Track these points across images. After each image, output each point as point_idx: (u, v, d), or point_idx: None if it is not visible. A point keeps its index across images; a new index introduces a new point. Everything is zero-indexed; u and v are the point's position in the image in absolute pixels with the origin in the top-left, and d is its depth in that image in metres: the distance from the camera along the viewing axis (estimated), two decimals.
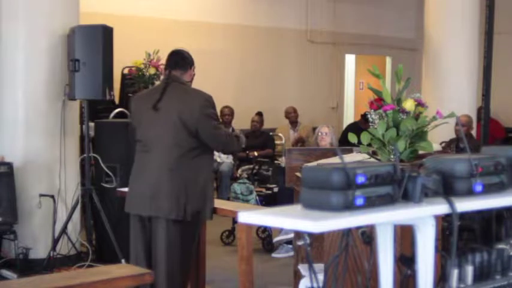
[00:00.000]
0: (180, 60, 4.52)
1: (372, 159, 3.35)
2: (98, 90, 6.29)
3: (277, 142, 10.49)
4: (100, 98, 6.41)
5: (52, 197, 6.32)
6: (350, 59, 13.74)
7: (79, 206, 6.47)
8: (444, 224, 2.60)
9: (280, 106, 11.25)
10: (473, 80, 9.71)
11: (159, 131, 4.32)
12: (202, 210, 4.40)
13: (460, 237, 2.49)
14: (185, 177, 4.30)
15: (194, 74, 4.62)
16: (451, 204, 2.26)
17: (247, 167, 8.54)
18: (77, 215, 6.51)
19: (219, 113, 9.87)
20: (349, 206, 2.09)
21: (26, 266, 6.11)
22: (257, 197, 7.53)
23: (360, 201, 2.11)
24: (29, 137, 6.40)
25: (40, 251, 6.35)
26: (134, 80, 7.76)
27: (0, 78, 6.45)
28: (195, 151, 4.35)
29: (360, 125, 10.31)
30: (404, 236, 2.68)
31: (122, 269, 3.79)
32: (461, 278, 2.46)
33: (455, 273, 2.42)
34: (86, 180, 6.39)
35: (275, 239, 6.97)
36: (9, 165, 6.20)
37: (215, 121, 4.51)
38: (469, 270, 2.48)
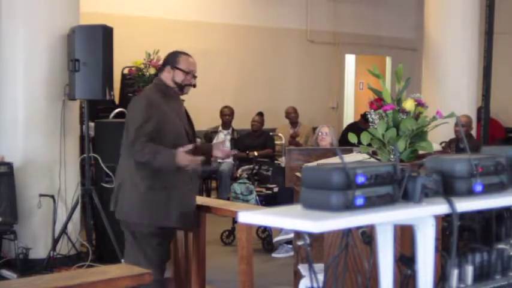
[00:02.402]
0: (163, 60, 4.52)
1: (372, 159, 3.35)
2: (98, 90, 6.29)
3: (277, 142, 10.49)
4: (100, 98, 6.42)
5: (52, 197, 6.32)
6: (350, 59, 13.74)
7: (79, 206, 6.47)
8: (444, 224, 2.60)
9: (280, 106, 11.25)
10: (473, 80, 9.71)
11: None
12: (140, 219, 4.25)
13: (460, 237, 2.49)
14: (124, 181, 4.32)
15: (175, 73, 4.32)
16: (451, 204, 2.26)
17: (247, 167, 8.54)
18: (77, 215, 6.51)
19: (219, 113, 9.96)
20: (349, 206, 2.09)
21: (26, 266, 6.11)
22: (257, 197, 7.53)
23: (360, 201, 2.11)
24: (29, 137, 6.41)
25: (40, 251, 6.35)
26: (134, 80, 7.77)
27: (0, 78, 6.46)
28: None
29: (360, 125, 10.31)
30: (404, 236, 2.68)
31: (122, 269, 3.79)
32: (461, 278, 2.46)
33: (455, 273, 2.42)
34: (86, 180, 6.39)
35: (275, 239, 6.97)
36: (9, 165, 6.20)
37: (135, 121, 4.19)
38: (469, 270, 2.48)
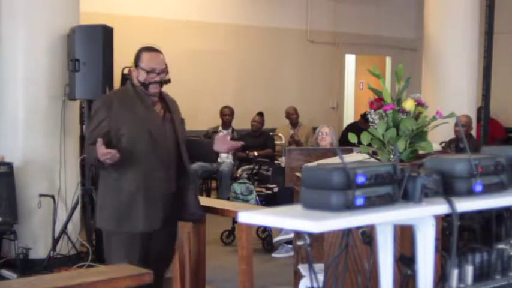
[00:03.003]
0: None
1: (372, 159, 3.35)
2: (98, 90, 6.29)
3: (277, 142, 10.49)
4: None
5: (52, 197, 6.32)
6: (350, 59, 13.74)
7: (79, 206, 6.47)
8: (444, 224, 2.60)
9: (280, 106, 11.25)
10: (473, 80, 9.71)
11: None
12: (109, 225, 4.15)
13: (460, 237, 2.48)
14: (100, 186, 4.27)
15: (139, 72, 4.11)
16: (451, 204, 2.26)
17: (247, 167, 8.54)
18: (77, 215, 6.51)
19: (219, 113, 9.97)
20: (349, 206, 2.09)
21: (26, 266, 6.11)
22: (257, 197, 7.53)
23: (360, 201, 2.11)
24: (29, 137, 6.41)
25: (40, 251, 6.35)
26: None
27: (0, 78, 6.46)
28: None
29: (360, 125, 10.31)
30: (404, 236, 2.67)
31: (121, 269, 3.78)
32: (461, 278, 2.46)
33: (455, 273, 2.42)
34: (86, 180, 6.40)
35: (275, 239, 6.97)
36: (9, 165, 6.20)
37: (91, 124, 4.16)
38: (469, 270, 2.47)
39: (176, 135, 4.20)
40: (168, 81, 4.17)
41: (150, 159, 4.06)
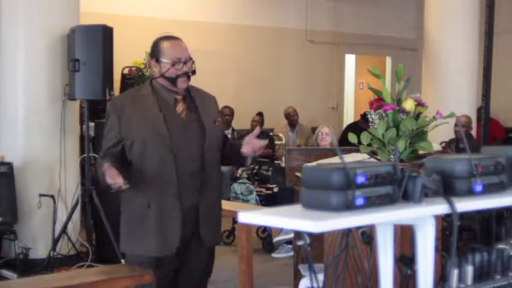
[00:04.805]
0: None
1: (372, 159, 3.35)
2: (98, 90, 6.30)
3: (277, 142, 10.48)
4: (100, 98, 6.42)
5: (52, 197, 6.32)
6: (350, 59, 13.74)
7: (79, 206, 6.47)
8: (444, 224, 2.60)
9: (280, 106, 11.25)
10: (473, 80, 9.71)
11: None
12: (124, 248, 3.67)
13: (460, 237, 2.48)
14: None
15: (161, 67, 3.52)
16: (451, 204, 2.25)
17: (247, 167, 8.55)
18: (77, 215, 6.52)
19: None
20: (349, 206, 2.09)
21: (26, 266, 6.11)
22: (257, 197, 7.53)
23: (360, 201, 2.11)
24: (29, 137, 6.41)
25: (40, 251, 6.35)
26: (134, 80, 7.78)
27: (0, 78, 6.46)
28: None
29: (360, 125, 10.30)
30: (404, 236, 2.67)
31: (121, 269, 3.79)
32: (461, 278, 2.46)
33: (455, 273, 2.42)
34: (86, 180, 6.40)
35: (275, 239, 6.97)
36: (9, 165, 6.21)
37: (104, 131, 3.60)
38: (469, 270, 2.47)
39: (203, 140, 3.56)
40: (194, 72, 3.60)
41: (166, 169, 3.45)
